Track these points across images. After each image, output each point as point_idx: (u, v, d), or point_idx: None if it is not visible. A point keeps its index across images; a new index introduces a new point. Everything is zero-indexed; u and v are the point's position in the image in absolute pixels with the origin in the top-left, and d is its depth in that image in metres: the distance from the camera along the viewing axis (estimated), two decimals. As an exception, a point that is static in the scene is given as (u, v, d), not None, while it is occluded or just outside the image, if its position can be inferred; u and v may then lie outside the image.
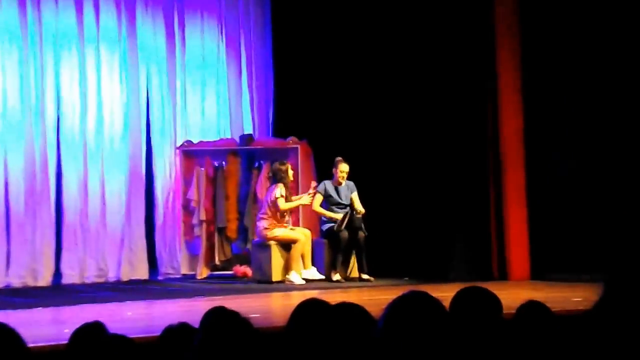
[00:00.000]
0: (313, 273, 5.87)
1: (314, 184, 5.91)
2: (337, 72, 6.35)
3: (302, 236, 5.94)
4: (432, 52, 5.92)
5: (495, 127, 5.80)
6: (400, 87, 6.12)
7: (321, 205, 6.10)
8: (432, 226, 6.05)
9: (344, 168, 5.99)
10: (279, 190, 5.86)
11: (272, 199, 5.84)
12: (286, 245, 5.96)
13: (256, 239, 6.07)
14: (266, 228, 5.95)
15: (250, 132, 6.67)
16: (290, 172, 5.92)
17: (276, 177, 5.90)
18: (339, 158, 6.00)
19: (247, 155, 6.43)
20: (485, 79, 5.76)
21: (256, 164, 6.47)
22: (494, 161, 5.82)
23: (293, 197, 5.93)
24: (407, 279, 5.85)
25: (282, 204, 5.86)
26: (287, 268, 5.95)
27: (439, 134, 6.03)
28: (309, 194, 5.84)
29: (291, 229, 5.97)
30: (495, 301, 2.05)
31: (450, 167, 5.98)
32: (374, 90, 6.27)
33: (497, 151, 5.81)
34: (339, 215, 5.96)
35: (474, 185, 5.91)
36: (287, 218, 6.02)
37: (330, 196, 6.02)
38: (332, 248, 5.99)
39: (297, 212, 6.34)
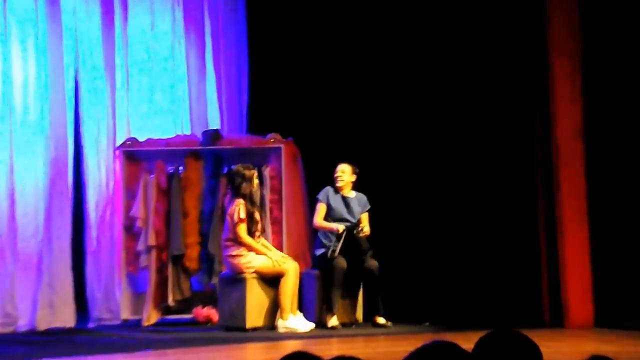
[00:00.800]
0: (300, 322, 5.46)
1: (340, 226, 5.51)
2: (337, 51, 6.27)
3: (292, 267, 5.49)
4: (464, 36, 5.84)
5: (545, 128, 5.60)
6: (420, 79, 6.02)
7: (326, 219, 5.74)
8: (462, 256, 5.86)
9: (339, 168, 5.72)
10: (238, 210, 5.41)
11: (232, 221, 5.43)
12: (270, 280, 5.52)
13: (225, 270, 5.72)
14: (237, 256, 5.50)
15: (217, 127, 6.38)
16: (256, 182, 5.49)
17: (234, 187, 5.44)
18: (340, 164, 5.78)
19: (213, 158, 6.15)
20: (534, 73, 5.62)
21: (225, 170, 6.14)
22: (543, 172, 5.60)
23: (261, 241, 5.49)
24: (428, 324, 5.69)
25: (243, 232, 5.41)
26: (275, 311, 5.52)
27: (471, 135, 5.87)
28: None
29: (270, 257, 5.51)
30: (534, 350, 1.94)
31: (485, 179, 5.81)
32: (386, 80, 6.16)
33: (548, 159, 5.58)
34: (341, 227, 5.57)
35: (518, 204, 5.69)
36: (259, 235, 5.54)
37: (332, 208, 5.67)
38: (327, 281, 5.62)
39: (279, 232, 6.02)
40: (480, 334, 2.07)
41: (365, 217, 5.77)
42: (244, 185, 5.41)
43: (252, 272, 5.46)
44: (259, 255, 5.44)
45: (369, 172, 6.02)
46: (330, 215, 5.69)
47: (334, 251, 5.52)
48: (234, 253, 5.46)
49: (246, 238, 5.40)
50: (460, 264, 5.87)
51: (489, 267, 5.75)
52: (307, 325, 5.39)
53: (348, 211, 5.72)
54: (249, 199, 5.43)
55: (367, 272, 5.59)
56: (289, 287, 5.37)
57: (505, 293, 5.64)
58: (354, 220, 5.68)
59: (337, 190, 5.75)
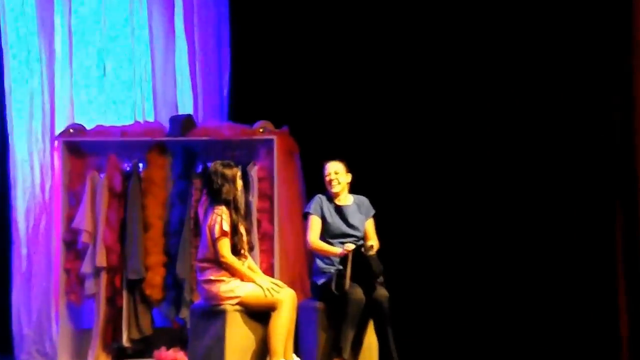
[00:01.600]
0: None
1: (348, 246, 5.38)
2: (347, 20, 6.40)
3: (288, 297, 5.21)
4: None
5: (627, 128, 5.87)
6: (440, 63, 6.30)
7: (321, 237, 5.58)
8: (507, 286, 6.06)
9: (329, 168, 5.58)
10: (221, 218, 5.15)
11: (211, 236, 5.17)
12: (257, 314, 5.25)
13: (198, 300, 5.55)
14: (216, 281, 5.21)
15: (189, 112, 6.37)
16: (239, 184, 5.22)
17: (212, 192, 5.20)
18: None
19: (184, 153, 6.15)
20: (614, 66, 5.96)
21: (199, 168, 6.18)
22: (622, 182, 5.86)
23: (247, 263, 5.25)
24: None
25: (225, 250, 5.13)
26: (264, 354, 5.26)
27: (517, 136, 6.19)
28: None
29: (259, 284, 5.25)
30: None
31: (541, 191, 6.08)
32: (408, 61, 6.35)
33: (631, 165, 5.82)
34: (350, 246, 5.42)
35: (588, 224, 5.98)
36: (244, 255, 5.28)
37: (328, 222, 5.54)
38: (333, 318, 5.42)
39: (269, 251, 5.99)
40: None
41: (370, 226, 5.58)
42: (226, 188, 5.12)
43: (235, 303, 5.18)
44: (245, 281, 5.17)
45: (383, 171, 6.12)
46: (326, 232, 5.53)
47: (342, 279, 5.28)
48: (212, 278, 5.17)
49: (230, 258, 5.11)
50: (507, 294, 6.10)
51: (550, 303, 5.98)
52: None
53: (348, 224, 5.52)
54: (232, 206, 5.13)
55: (376, 304, 5.37)
56: (282, 324, 5.10)
57: (572, 336, 5.89)
58: (357, 234, 5.50)
59: (330, 197, 5.56)
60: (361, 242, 5.42)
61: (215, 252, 5.06)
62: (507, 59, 6.15)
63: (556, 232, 5.99)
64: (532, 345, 5.89)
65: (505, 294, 6.08)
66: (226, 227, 5.00)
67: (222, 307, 5.15)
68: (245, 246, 5.19)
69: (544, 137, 6.07)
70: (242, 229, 5.15)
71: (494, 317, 6.07)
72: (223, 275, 5.10)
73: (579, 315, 5.91)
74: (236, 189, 5.10)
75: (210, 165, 5.32)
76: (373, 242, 5.40)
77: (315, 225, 5.45)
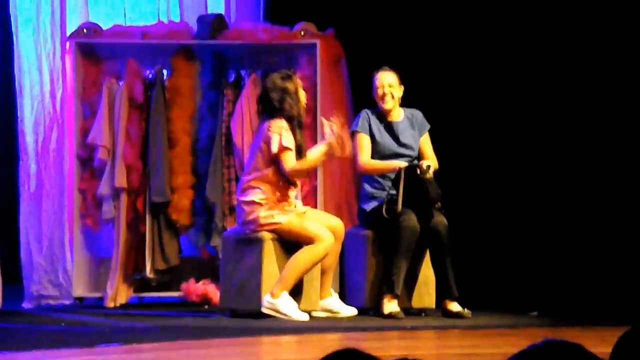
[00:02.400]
0: (336, 304, 5.47)
1: (401, 163, 5.54)
2: None
3: (329, 235, 5.40)
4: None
5: None
6: None
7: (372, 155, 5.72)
8: (583, 219, 6.15)
9: (380, 77, 5.65)
10: (281, 132, 5.32)
11: (269, 151, 5.35)
12: (294, 245, 5.41)
13: (233, 227, 5.76)
14: (257, 204, 5.39)
15: (220, 11, 6.41)
16: (302, 94, 5.41)
17: (272, 104, 5.39)
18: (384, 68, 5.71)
19: (214, 59, 6.22)
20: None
21: (231, 77, 6.29)
22: None
23: (310, 150, 5.47)
24: (536, 313, 5.67)
25: (290, 162, 5.33)
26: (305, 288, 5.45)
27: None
28: (333, 133, 5.36)
29: (299, 212, 5.46)
30: None
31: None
32: None
33: None
34: (402, 163, 5.54)
35: None
36: (296, 191, 5.52)
37: (377, 141, 5.63)
38: (383, 249, 5.55)
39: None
40: (617, 331, 2.13)
41: (426, 144, 5.66)
42: (288, 102, 5.30)
43: (273, 230, 5.37)
44: (317, 162, 5.40)
45: (439, 83, 6.16)
46: (375, 153, 5.64)
47: (393, 204, 5.40)
48: (255, 199, 5.37)
49: (297, 165, 5.29)
50: (582, 231, 6.15)
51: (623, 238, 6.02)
52: (302, 315, 5.30)
53: (399, 142, 5.61)
54: (296, 123, 5.34)
55: (433, 233, 5.50)
56: (306, 260, 5.31)
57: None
58: (411, 154, 5.61)
59: (379, 113, 5.64)
60: (416, 162, 5.51)
61: (273, 169, 5.25)
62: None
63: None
64: (610, 285, 5.95)
65: (571, 229, 6.15)
66: (287, 143, 5.17)
67: (258, 235, 5.34)
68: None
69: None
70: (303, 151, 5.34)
71: (559, 253, 6.14)
72: (267, 200, 5.30)
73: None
74: (300, 102, 5.28)
75: (271, 75, 5.43)
76: (430, 162, 5.48)
77: (364, 144, 5.54)
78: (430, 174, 5.41)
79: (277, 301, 5.24)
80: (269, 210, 5.33)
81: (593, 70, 6.21)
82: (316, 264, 5.33)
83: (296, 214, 5.35)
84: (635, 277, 5.97)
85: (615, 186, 6.19)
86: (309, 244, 5.29)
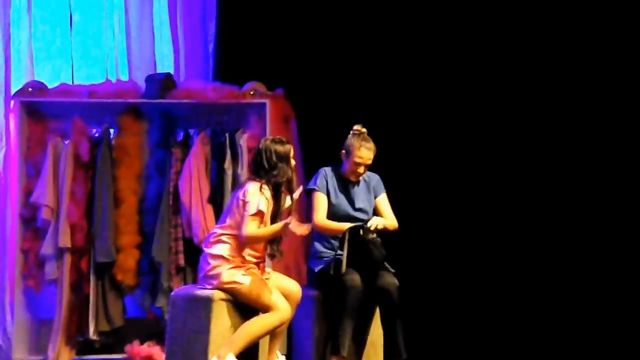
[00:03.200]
0: None
1: (299, 189, 5.44)
2: None
3: (287, 307, 5.31)
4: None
5: None
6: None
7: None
8: (527, 279, 6.20)
9: (363, 154, 5.53)
10: (259, 199, 5.20)
11: (244, 209, 5.24)
12: (245, 308, 5.32)
13: (183, 286, 5.67)
14: (223, 260, 5.27)
15: (169, 70, 6.43)
16: (293, 163, 5.31)
17: (263, 167, 5.28)
18: (357, 128, 5.58)
19: (162, 117, 6.22)
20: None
21: (180, 135, 6.30)
22: None
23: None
24: None
25: (250, 228, 5.22)
26: (256, 349, 5.33)
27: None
28: (291, 211, 5.29)
29: (261, 278, 5.37)
30: None
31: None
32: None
33: None
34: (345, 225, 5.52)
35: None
36: (264, 260, 5.43)
37: (332, 202, 5.59)
38: (331, 309, 5.49)
39: None
40: None
41: (383, 204, 5.62)
42: (281, 169, 5.19)
43: (231, 288, 5.24)
44: (274, 233, 5.23)
45: (390, 140, 6.15)
46: (330, 214, 5.58)
47: (339, 264, 5.35)
48: (224, 253, 5.23)
49: (254, 233, 5.15)
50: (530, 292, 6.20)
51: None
52: None
53: (354, 207, 5.58)
54: (285, 187, 5.21)
55: (383, 293, 5.42)
56: (261, 328, 5.21)
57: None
58: (365, 218, 5.55)
59: (339, 175, 5.59)
60: (357, 229, 5.41)
61: (239, 227, 5.14)
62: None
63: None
64: (554, 342, 6.01)
65: (524, 287, 6.20)
66: (263, 208, 5.06)
67: (207, 295, 5.21)
68: (280, 248, 5.29)
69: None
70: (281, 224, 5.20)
71: (511, 311, 6.18)
72: (234, 257, 5.20)
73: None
74: (291, 169, 5.18)
75: (264, 140, 5.30)
76: (376, 220, 5.39)
77: (321, 203, 5.48)
78: (373, 235, 5.35)
79: None
80: (234, 269, 5.25)
81: (586, 76, 6.27)
82: (269, 332, 5.24)
83: (259, 280, 5.26)
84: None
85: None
86: (266, 312, 5.21)
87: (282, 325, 5.25)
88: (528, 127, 6.37)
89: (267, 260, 5.78)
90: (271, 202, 5.14)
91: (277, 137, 5.38)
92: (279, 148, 5.18)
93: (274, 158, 5.14)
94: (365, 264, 5.36)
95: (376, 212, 5.56)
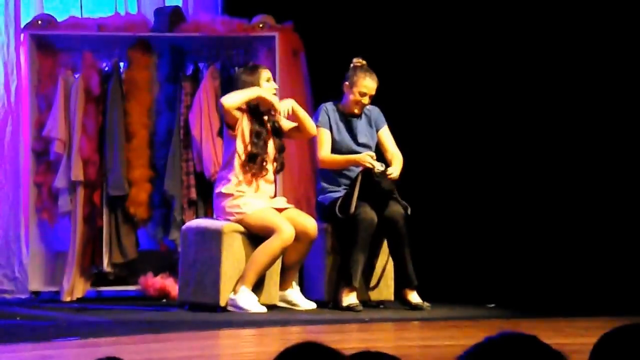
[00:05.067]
0: (296, 296, 5.49)
1: (286, 103, 5.52)
2: None
3: (288, 229, 5.40)
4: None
5: None
6: None
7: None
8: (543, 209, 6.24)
9: (368, 84, 5.56)
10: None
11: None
12: (258, 237, 5.43)
13: (189, 220, 5.67)
14: (225, 195, 5.42)
15: (177, 3, 6.41)
16: (272, 87, 5.45)
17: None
18: (358, 60, 5.61)
19: (171, 51, 6.20)
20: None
21: (189, 69, 6.27)
22: None
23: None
24: (493, 305, 5.70)
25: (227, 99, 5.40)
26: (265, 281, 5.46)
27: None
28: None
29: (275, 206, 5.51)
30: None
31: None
32: None
33: None
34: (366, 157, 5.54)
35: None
36: (265, 171, 5.50)
37: (334, 137, 5.62)
38: (341, 241, 5.56)
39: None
40: (585, 321, 2.17)
41: (385, 138, 5.65)
42: (259, 84, 5.37)
43: (237, 220, 5.36)
44: (255, 199, 5.38)
45: (400, 75, 6.11)
46: (333, 150, 5.62)
47: (347, 204, 5.40)
48: (222, 190, 5.39)
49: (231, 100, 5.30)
50: (537, 224, 6.20)
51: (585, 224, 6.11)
52: (260, 308, 5.32)
53: (357, 142, 5.60)
54: (255, 112, 5.37)
55: (390, 222, 5.48)
56: (266, 252, 5.32)
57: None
58: (364, 151, 5.57)
59: (340, 110, 5.61)
60: (374, 160, 5.44)
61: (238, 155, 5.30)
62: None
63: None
64: (572, 276, 6.06)
65: (526, 222, 6.23)
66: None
67: (217, 228, 5.33)
68: (270, 166, 5.39)
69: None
70: (270, 142, 5.37)
71: (515, 245, 6.21)
72: (233, 189, 5.33)
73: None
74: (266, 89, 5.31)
75: (238, 69, 5.47)
76: (392, 168, 5.43)
77: (325, 138, 5.53)
78: (386, 181, 5.38)
79: (236, 296, 5.27)
80: (236, 199, 5.36)
81: (587, 70, 6.25)
82: (276, 258, 5.33)
83: (259, 206, 5.35)
84: (589, 269, 6.05)
85: (569, 179, 6.27)
86: (269, 235, 5.29)
87: (291, 251, 5.34)
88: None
89: (281, 193, 5.89)
90: (248, 122, 5.30)
91: (250, 64, 5.57)
92: (246, 77, 5.36)
93: (239, 86, 5.33)
94: (374, 194, 5.41)
95: (379, 146, 5.60)
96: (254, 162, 5.36)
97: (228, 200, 5.36)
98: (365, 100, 5.51)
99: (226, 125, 5.39)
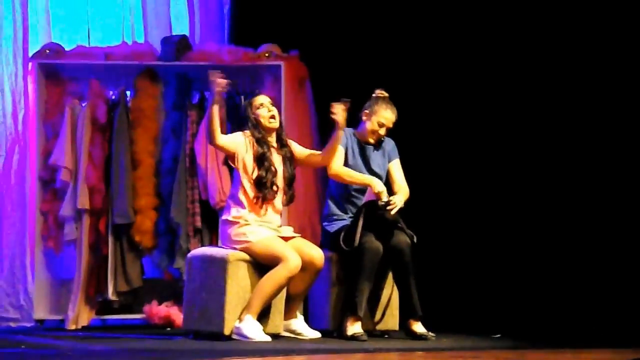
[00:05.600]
0: (301, 326, 5.46)
1: (373, 183, 5.51)
2: None
3: (294, 258, 5.38)
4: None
5: None
6: None
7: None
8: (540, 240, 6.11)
9: (387, 115, 5.58)
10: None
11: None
12: (263, 266, 5.42)
13: (201, 247, 5.64)
14: (231, 222, 5.41)
15: (184, 32, 6.43)
16: (265, 112, 5.42)
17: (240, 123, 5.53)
18: (381, 92, 5.63)
19: (178, 80, 6.24)
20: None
21: (195, 98, 6.30)
22: None
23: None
24: (499, 336, 5.68)
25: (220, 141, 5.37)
26: (270, 309, 5.44)
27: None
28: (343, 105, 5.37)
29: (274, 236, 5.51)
30: None
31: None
32: None
33: None
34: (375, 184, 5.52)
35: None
36: (271, 197, 5.48)
37: (348, 162, 5.61)
38: (347, 270, 5.57)
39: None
40: (577, 353, 1.99)
41: (396, 170, 5.65)
42: (249, 120, 5.37)
43: (242, 248, 5.33)
44: (261, 227, 5.35)
45: (406, 102, 6.06)
46: None
47: (352, 236, 5.38)
48: (229, 218, 5.37)
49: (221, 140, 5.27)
50: (542, 255, 6.19)
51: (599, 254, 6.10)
52: (264, 337, 5.29)
53: (370, 170, 5.59)
54: (259, 132, 5.36)
55: (395, 252, 5.47)
56: (272, 283, 5.30)
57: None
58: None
59: (357, 137, 5.61)
60: (382, 192, 5.41)
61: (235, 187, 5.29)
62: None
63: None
64: (565, 306, 6.04)
65: (530, 253, 6.22)
66: (232, 136, 5.23)
67: (223, 256, 5.29)
68: (277, 189, 5.34)
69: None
70: (278, 166, 5.34)
71: (521, 276, 6.20)
72: (238, 217, 5.29)
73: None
74: (260, 123, 5.30)
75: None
76: (396, 197, 5.40)
77: (340, 154, 5.48)
78: (390, 213, 5.36)
79: (241, 325, 5.23)
80: (242, 228, 5.32)
81: (587, 77, 6.25)
82: (282, 287, 5.29)
83: (265, 235, 5.31)
84: (596, 301, 6.03)
85: (574, 213, 6.25)
86: (273, 264, 5.25)
87: (297, 280, 5.30)
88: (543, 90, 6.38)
89: (286, 222, 5.87)
90: (252, 145, 5.29)
91: (249, 99, 5.57)
92: (246, 112, 5.39)
93: (246, 110, 5.36)
94: (379, 225, 5.40)
95: (388, 177, 5.58)
96: (263, 187, 5.31)
97: (234, 228, 5.33)
98: (382, 131, 5.51)
99: (228, 157, 5.37)
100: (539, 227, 6.27)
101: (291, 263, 5.20)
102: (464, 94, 6.37)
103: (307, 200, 6.05)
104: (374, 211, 5.35)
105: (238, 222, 5.29)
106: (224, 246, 5.35)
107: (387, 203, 5.33)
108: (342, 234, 5.39)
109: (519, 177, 6.30)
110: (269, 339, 5.23)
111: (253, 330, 5.19)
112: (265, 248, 5.27)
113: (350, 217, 5.49)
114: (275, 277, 5.21)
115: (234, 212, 5.31)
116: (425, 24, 6.37)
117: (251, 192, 5.26)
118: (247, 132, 5.33)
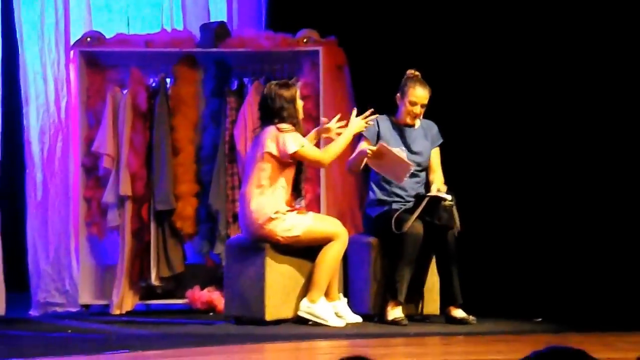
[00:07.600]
0: (343, 309, 5.50)
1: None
2: None
3: (343, 229, 5.48)
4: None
5: None
6: None
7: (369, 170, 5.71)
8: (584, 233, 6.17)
9: (418, 93, 5.57)
10: (292, 138, 5.36)
11: (280, 155, 5.39)
12: (303, 250, 5.47)
13: (239, 234, 5.69)
14: (270, 219, 5.42)
15: (223, 19, 6.47)
16: (299, 104, 5.43)
17: (272, 113, 5.39)
18: (411, 72, 5.62)
19: (217, 67, 6.24)
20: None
21: (234, 84, 6.31)
22: None
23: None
24: (540, 319, 5.67)
25: (317, 152, 5.43)
26: (305, 292, 5.51)
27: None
28: (366, 118, 5.44)
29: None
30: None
31: None
32: None
33: None
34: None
35: None
36: (302, 195, 5.64)
37: (382, 138, 5.61)
38: (388, 255, 5.58)
39: (315, 180, 6.15)
40: (620, 336, 2.07)
41: (436, 157, 5.67)
42: (287, 110, 5.32)
43: (293, 242, 5.37)
44: (304, 214, 5.42)
45: (447, 88, 6.11)
46: None
47: (403, 221, 5.37)
48: (268, 206, 5.35)
49: (325, 154, 5.37)
50: (586, 238, 6.19)
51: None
52: (338, 320, 5.36)
53: (411, 150, 5.59)
54: (295, 125, 5.35)
55: (439, 239, 5.49)
56: (334, 257, 5.39)
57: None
58: (420, 161, 5.59)
59: (396, 121, 5.63)
60: (439, 189, 5.44)
61: (288, 173, 5.29)
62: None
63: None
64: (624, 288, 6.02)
65: (575, 236, 6.23)
66: (302, 141, 5.22)
67: (261, 244, 5.35)
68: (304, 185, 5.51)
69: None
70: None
71: (563, 259, 6.22)
72: (279, 211, 5.30)
73: None
74: (297, 112, 5.33)
75: (270, 83, 5.41)
76: (451, 198, 5.39)
77: (357, 148, 5.49)
78: (446, 215, 5.37)
79: (314, 306, 5.31)
80: (287, 220, 5.34)
81: (592, 77, 6.27)
82: (339, 262, 5.41)
83: (308, 220, 5.37)
84: (638, 283, 6.03)
85: (619, 193, 6.25)
86: (327, 242, 5.34)
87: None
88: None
89: (325, 208, 5.93)
90: (299, 137, 5.29)
91: (283, 80, 5.52)
92: (284, 92, 5.30)
93: (280, 101, 5.27)
94: (433, 218, 5.40)
95: (429, 166, 5.61)
96: (299, 190, 5.44)
97: (277, 223, 5.32)
98: (417, 109, 5.51)
99: (290, 157, 5.30)
100: (582, 211, 6.27)
101: (343, 236, 5.34)
102: (507, 82, 6.36)
103: (346, 185, 6.09)
104: (436, 207, 5.36)
105: (278, 217, 5.31)
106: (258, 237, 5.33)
107: (450, 207, 5.34)
108: (394, 216, 5.39)
109: (562, 163, 6.31)
110: (343, 323, 5.32)
111: (327, 313, 5.30)
112: (312, 234, 5.33)
113: (394, 202, 5.50)
114: (334, 254, 5.32)
115: (272, 207, 5.28)
116: (466, 9, 6.36)
117: (289, 188, 5.34)
118: (288, 125, 5.28)
